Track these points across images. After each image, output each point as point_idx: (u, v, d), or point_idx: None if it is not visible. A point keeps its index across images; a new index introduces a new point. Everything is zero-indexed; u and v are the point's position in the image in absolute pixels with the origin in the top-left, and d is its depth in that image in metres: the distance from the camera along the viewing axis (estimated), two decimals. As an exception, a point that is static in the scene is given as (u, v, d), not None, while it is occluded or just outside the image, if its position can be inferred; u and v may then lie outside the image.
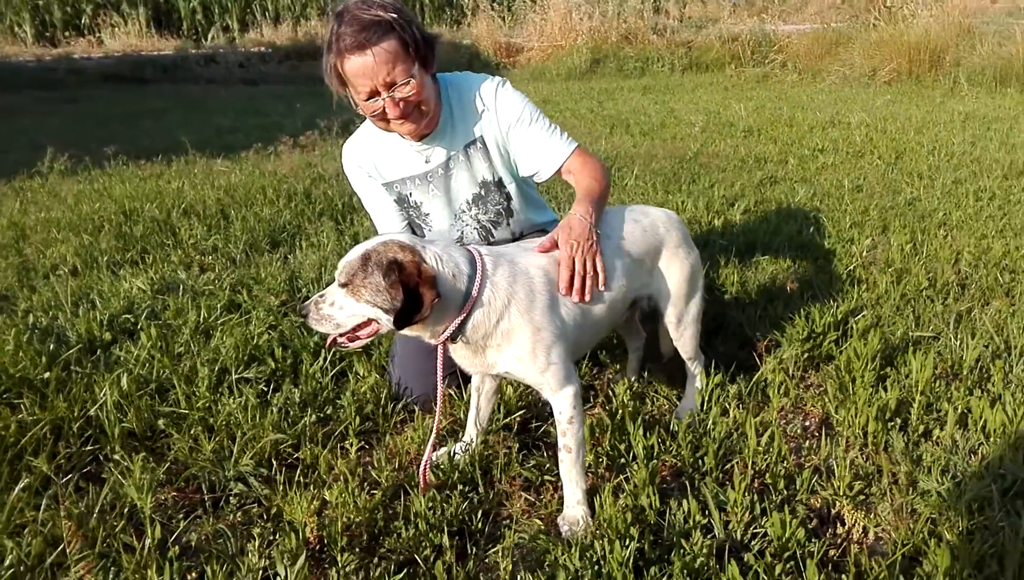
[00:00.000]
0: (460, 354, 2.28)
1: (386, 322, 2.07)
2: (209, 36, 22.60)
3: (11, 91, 14.32)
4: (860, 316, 3.29)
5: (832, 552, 2.08)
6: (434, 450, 2.44)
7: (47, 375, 2.87)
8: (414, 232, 2.93)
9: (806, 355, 3.09)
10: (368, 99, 2.47)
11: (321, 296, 2.14)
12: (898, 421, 2.58)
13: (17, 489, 2.28)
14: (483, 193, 2.82)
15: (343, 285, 2.09)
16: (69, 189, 6.09)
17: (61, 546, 2.08)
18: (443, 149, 2.73)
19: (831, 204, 5.20)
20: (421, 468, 2.35)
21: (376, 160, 2.82)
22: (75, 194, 5.87)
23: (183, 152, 7.19)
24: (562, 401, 2.23)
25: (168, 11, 23.35)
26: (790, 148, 7.27)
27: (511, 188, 2.84)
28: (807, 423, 2.78)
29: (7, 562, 2.01)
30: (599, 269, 2.32)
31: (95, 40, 21.76)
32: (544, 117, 2.70)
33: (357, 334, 2.15)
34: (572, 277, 2.27)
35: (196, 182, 6.12)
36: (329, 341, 2.18)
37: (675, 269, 2.61)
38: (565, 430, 2.23)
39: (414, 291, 2.01)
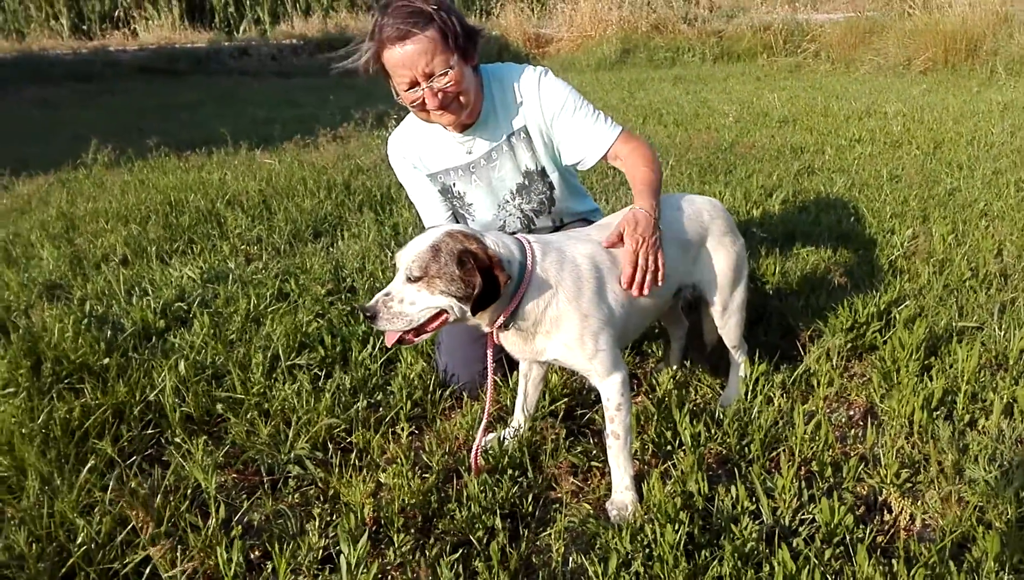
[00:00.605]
0: (510, 341, 2.33)
1: (458, 311, 2.09)
2: (241, 28, 22.82)
3: (50, 83, 14.60)
4: (903, 306, 3.29)
5: (880, 538, 2.11)
6: (485, 435, 2.50)
7: (107, 361, 2.97)
8: (458, 222, 2.99)
9: (849, 345, 3.11)
10: (408, 89, 2.52)
11: (387, 294, 2.10)
12: (943, 410, 2.60)
13: (84, 470, 2.37)
14: (527, 183, 2.87)
15: (415, 279, 2.07)
16: (114, 180, 6.23)
17: (130, 525, 2.17)
18: (485, 140, 2.78)
19: (870, 194, 5.17)
20: (473, 453, 2.41)
21: (420, 151, 2.88)
22: (121, 185, 6.00)
23: (223, 144, 7.30)
24: (610, 387, 2.27)
25: (201, 4, 23.58)
26: (826, 138, 7.23)
27: (554, 177, 2.88)
28: (852, 412, 2.80)
29: (79, 540, 2.09)
30: (660, 265, 2.35)
31: (130, 33, 22.06)
32: (588, 104, 2.74)
33: (426, 328, 2.14)
34: (635, 272, 2.31)
35: (238, 173, 6.22)
36: (396, 339, 2.16)
37: (720, 257, 2.64)
38: (613, 416, 2.27)
39: (490, 275, 2.05)
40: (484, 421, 2.43)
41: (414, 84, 2.50)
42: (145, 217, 5.04)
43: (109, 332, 3.20)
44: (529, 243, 2.25)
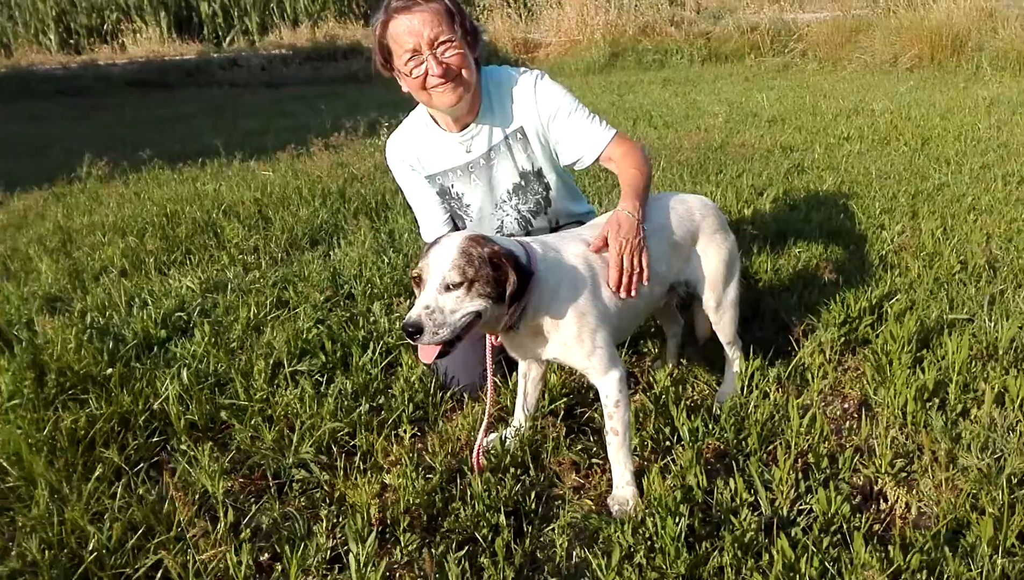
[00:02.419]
0: (511, 341, 2.38)
1: (492, 311, 2.10)
2: (229, 40, 22.84)
3: (41, 98, 14.64)
4: (895, 300, 3.35)
5: (876, 527, 2.16)
6: (486, 435, 2.54)
7: (109, 371, 2.99)
8: (455, 224, 3.04)
9: (842, 339, 3.16)
10: (411, 60, 2.58)
11: (427, 307, 2.04)
12: (936, 401, 2.64)
13: (92, 479, 2.40)
14: (523, 183, 2.93)
15: (455, 286, 2.05)
16: (109, 193, 6.26)
17: (140, 530, 2.20)
18: (484, 139, 2.84)
19: (859, 191, 5.24)
20: (475, 452, 2.45)
21: (419, 153, 2.93)
22: (116, 198, 6.03)
23: (216, 155, 7.33)
24: (608, 385, 2.31)
25: (188, 16, 23.60)
26: (815, 136, 7.30)
27: (550, 178, 2.94)
28: (846, 405, 2.85)
29: (90, 546, 2.13)
30: (645, 266, 2.40)
31: (118, 46, 22.06)
32: (583, 106, 2.82)
33: (462, 335, 2.11)
34: (621, 275, 2.36)
35: (233, 184, 6.26)
36: (439, 353, 2.11)
37: (712, 254, 2.69)
38: (612, 413, 2.32)
39: (522, 272, 2.12)
40: (485, 421, 2.47)
41: (416, 53, 2.57)
42: (142, 229, 5.07)
43: (111, 343, 3.23)
44: (528, 245, 2.30)
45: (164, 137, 9.53)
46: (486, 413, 2.47)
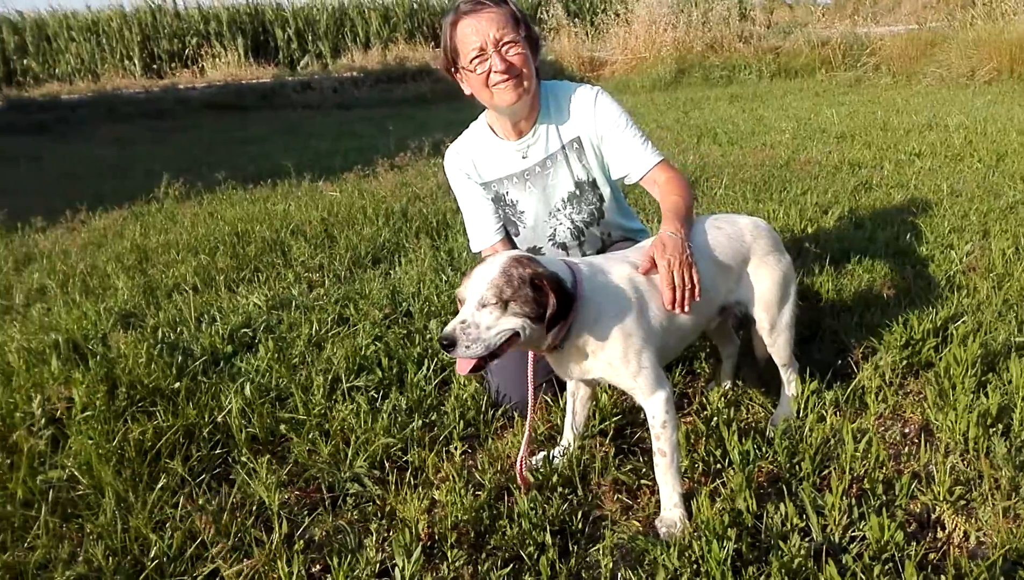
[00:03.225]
0: (557, 361, 2.40)
1: (531, 332, 2.14)
2: (303, 63, 23.54)
3: (125, 121, 15.32)
4: (960, 322, 3.25)
5: (932, 556, 2.10)
6: (528, 448, 2.56)
7: (177, 385, 3.12)
8: (507, 234, 3.10)
9: (904, 362, 3.08)
10: (476, 58, 2.70)
11: (463, 322, 2.09)
12: (1000, 427, 2.56)
13: (157, 488, 2.50)
14: (578, 193, 2.99)
15: (491, 304, 2.10)
16: (184, 213, 6.51)
17: (199, 539, 2.29)
18: (541, 147, 2.94)
19: (929, 209, 5.10)
20: (518, 465, 2.47)
21: (476, 160, 3.02)
22: (191, 217, 6.26)
23: (287, 175, 7.55)
24: (654, 405, 2.31)
25: (264, 40, 24.44)
26: (885, 153, 7.13)
27: (604, 190, 3.01)
28: (906, 430, 2.78)
29: (152, 553, 2.22)
30: (695, 280, 2.40)
31: (198, 70, 22.98)
32: (636, 126, 2.91)
33: (499, 351, 2.14)
34: (673, 292, 2.36)
35: (301, 204, 6.44)
36: (471, 366, 2.16)
37: (764, 276, 2.66)
38: (659, 434, 2.31)
39: (563, 295, 2.16)
40: (527, 434, 2.49)
41: (482, 52, 2.70)
42: (214, 248, 5.26)
43: (180, 357, 3.36)
44: (576, 266, 2.32)
45: (239, 158, 9.86)
46: (527, 426, 2.50)
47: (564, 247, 3.11)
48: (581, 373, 2.39)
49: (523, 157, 2.96)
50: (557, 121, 2.91)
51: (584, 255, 3.08)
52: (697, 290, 2.40)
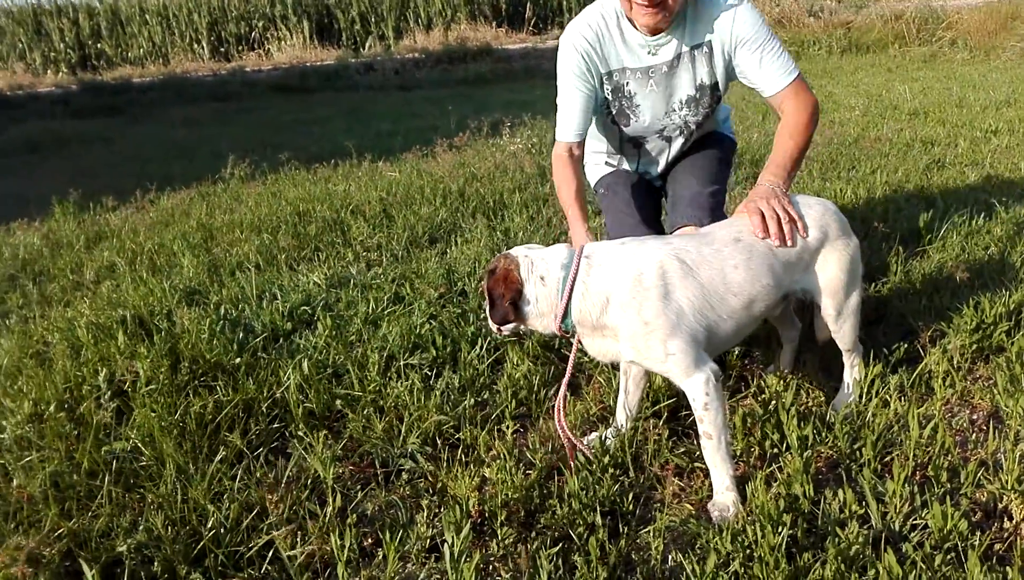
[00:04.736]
0: (588, 343, 2.43)
1: (513, 328, 2.50)
2: (367, 45, 23.71)
3: (193, 103, 15.66)
4: (1036, 306, 3.11)
5: (998, 546, 2.02)
6: (566, 391, 2.54)
7: (238, 361, 3.18)
8: (585, 136, 3.06)
9: (974, 346, 2.96)
10: None
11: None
12: (1076, 415, 2.45)
13: (215, 461, 2.56)
14: (698, 96, 3.00)
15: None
16: (249, 193, 6.63)
17: (255, 510, 2.34)
18: (672, 48, 2.92)
19: (1005, 188, 4.88)
20: (556, 416, 2.50)
21: (604, 45, 2.95)
22: (255, 197, 6.38)
23: (348, 156, 7.64)
24: (693, 388, 2.27)
25: (329, 23, 24.67)
26: (960, 130, 6.85)
27: (722, 91, 3.04)
28: (974, 416, 2.68)
29: (209, 524, 2.28)
30: (793, 215, 2.44)
31: (264, 53, 23.33)
32: (775, 39, 2.88)
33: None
34: (775, 226, 2.42)
35: (361, 184, 6.50)
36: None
37: (833, 261, 2.56)
38: (701, 416, 2.27)
39: (491, 296, 2.40)
40: (566, 378, 2.48)
41: None
42: (276, 227, 5.35)
43: (241, 334, 3.43)
44: (579, 256, 2.35)
45: (302, 139, 10.00)
46: (567, 372, 2.47)
47: (669, 140, 3.16)
48: (614, 357, 2.40)
49: (651, 54, 2.92)
50: (694, 23, 2.88)
51: (683, 148, 3.20)
52: (800, 226, 2.46)
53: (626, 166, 3.38)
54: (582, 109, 2.99)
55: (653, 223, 3.18)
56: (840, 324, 2.66)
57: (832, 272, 2.57)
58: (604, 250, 2.38)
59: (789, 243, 2.41)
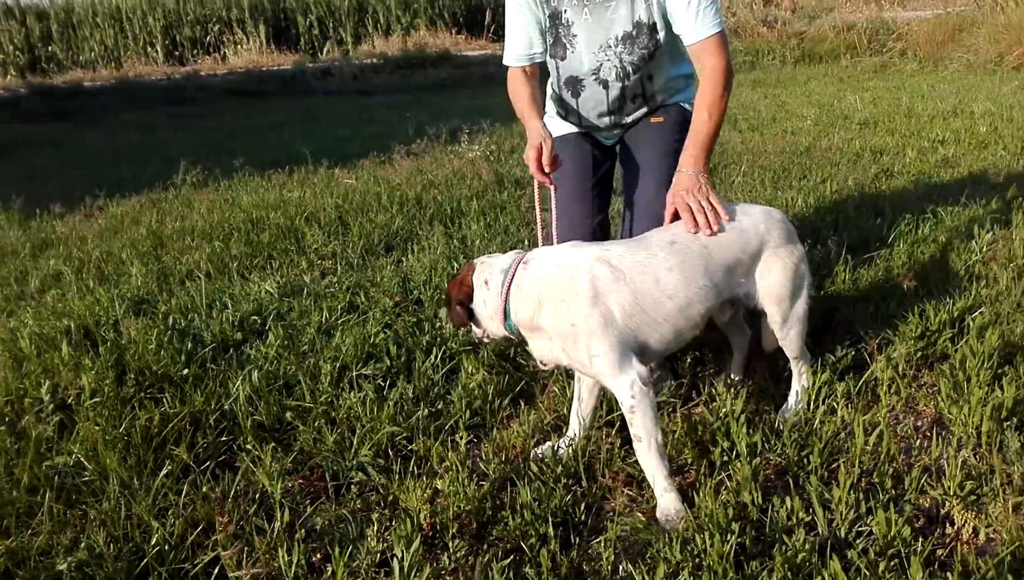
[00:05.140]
0: (531, 345, 2.50)
1: (468, 334, 2.75)
2: (324, 50, 23.53)
3: (146, 108, 15.38)
4: (978, 313, 3.19)
5: (940, 552, 2.06)
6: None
7: (186, 372, 3.12)
8: (536, 63, 3.12)
9: (919, 353, 3.03)
10: None
11: None
12: (1014, 421, 2.50)
13: (161, 475, 2.51)
14: (634, 34, 2.96)
15: None
16: (201, 199, 6.52)
17: (200, 527, 2.30)
18: None
19: (951, 197, 5.00)
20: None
21: None
22: (207, 204, 6.28)
23: (303, 162, 7.55)
24: (618, 390, 2.29)
25: (286, 27, 24.44)
26: (908, 140, 7.01)
27: (661, 36, 2.98)
28: (919, 423, 2.73)
29: (153, 540, 2.22)
30: (715, 204, 2.51)
31: (219, 57, 23.03)
32: None
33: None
34: (694, 217, 2.50)
35: (317, 191, 6.44)
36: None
37: (776, 269, 2.60)
38: (630, 419, 2.28)
39: (448, 302, 2.57)
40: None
41: None
42: (228, 234, 5.27)
43: (189, 344, 3.37)
44: (522, 261, 2.45)
45: (257, 144, 9.87)
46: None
47: (606, 85, 3.09)
48: (555, 358, 2.44)
49: None
50: None
51: (625, 98, 3.12)
52: (722, 213, 2.51)
53: (571, 129, 3.33)
54: (524, 32, 3.05)
55: (602, 209, 3.18)
56: (786, 331, 2.69)
57: (775, 279, 2.60)
58: (541, 255, 2.47)
59: (715, 228, 2.48)
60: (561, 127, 3.33)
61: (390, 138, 8.88)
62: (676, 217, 2.61)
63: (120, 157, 9.78)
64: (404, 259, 4.60)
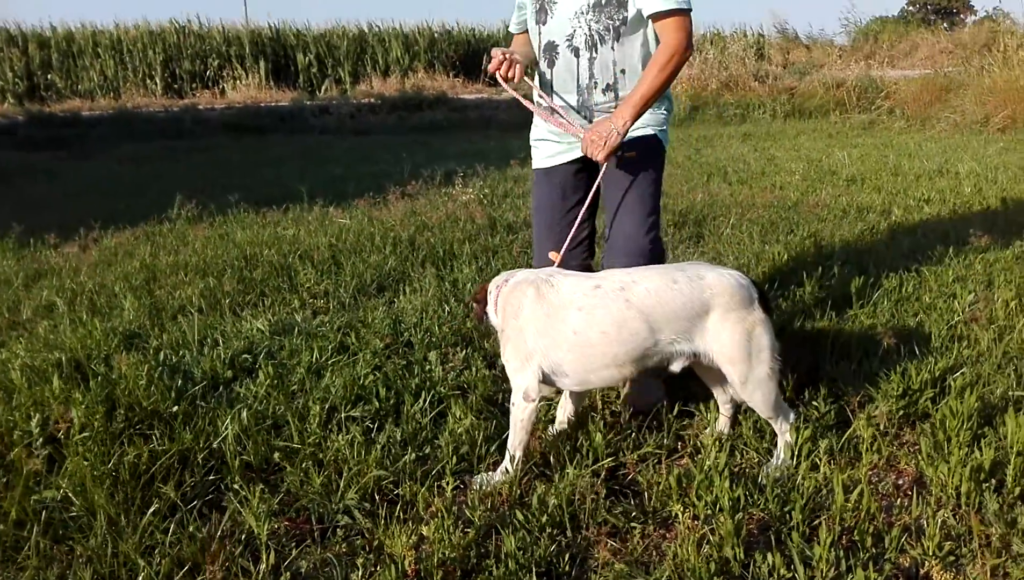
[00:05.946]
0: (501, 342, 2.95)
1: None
2: (323, 88, 23.82)
3: (143, 139, 15.44)
4: (959, 374, 3.25)
5: (918, 612, 2.09)
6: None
7: (175, 409, 3.13)
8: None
9: (901, 412, 3.08)
10: None
11: None
12: (993, 482, 2.55)
13: (148, 513, 2.52)
14: (603, 2, 3.10)
15: None
16: (195, 234, 6.56)
17: (187, 566, 2.30)
18: None
19: (935, 257, 5.10)
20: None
21: None
22: (201, 239, 6.32)
23: (298, 200, 7.61)
24: (513, 392, 2.79)
25: (286, 64, 24.77)
26: (895, 198, 7.14)
27: (631, 12, 3.08)
28: (900, 481, 2.77)
29: (140, 579, 2.23)
30: (611, 148, 3.01)
31: (218, 92, 23.26)
32: None
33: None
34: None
35: (311, 229, 6.49)
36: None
37: (726, 332, 2.67)
38: (510, 409, 2.79)
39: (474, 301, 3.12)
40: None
41: None
42: (222, 270, 5.30)
43: (180, 381, 3.38)
44: (510, 280, 2.89)
45: (253, 180, 9.93)
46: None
47: (576, 52, 3.21)
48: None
49: None
50: None
51: (594, 76, 3.22)
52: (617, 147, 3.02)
53: (548, 161, 3.43)
54: (521, 5, 3.43)
55: (584, 228, 3.39)
56: (749, 393, 2.75)
57: (726, 342, 2.68)
58: (520, 278, 2.87)
59: (601, 158, 3.03)
60: (540, 154, 3.46)
61: (385, 178, 8.97)
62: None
63: (116, 188, 9.84)
64: (396, 300, 4.64)
